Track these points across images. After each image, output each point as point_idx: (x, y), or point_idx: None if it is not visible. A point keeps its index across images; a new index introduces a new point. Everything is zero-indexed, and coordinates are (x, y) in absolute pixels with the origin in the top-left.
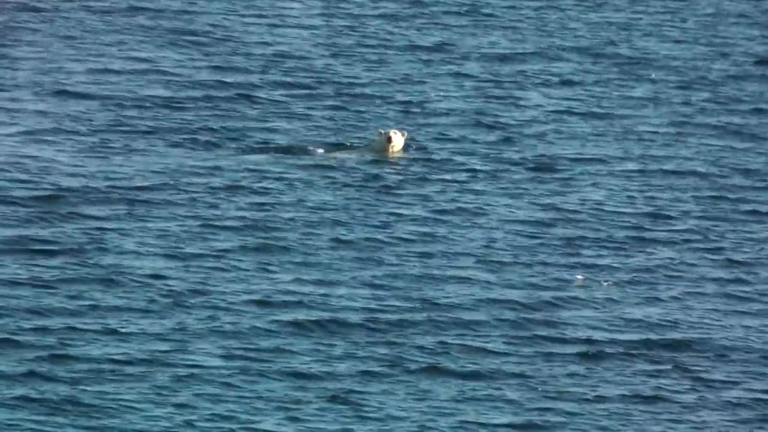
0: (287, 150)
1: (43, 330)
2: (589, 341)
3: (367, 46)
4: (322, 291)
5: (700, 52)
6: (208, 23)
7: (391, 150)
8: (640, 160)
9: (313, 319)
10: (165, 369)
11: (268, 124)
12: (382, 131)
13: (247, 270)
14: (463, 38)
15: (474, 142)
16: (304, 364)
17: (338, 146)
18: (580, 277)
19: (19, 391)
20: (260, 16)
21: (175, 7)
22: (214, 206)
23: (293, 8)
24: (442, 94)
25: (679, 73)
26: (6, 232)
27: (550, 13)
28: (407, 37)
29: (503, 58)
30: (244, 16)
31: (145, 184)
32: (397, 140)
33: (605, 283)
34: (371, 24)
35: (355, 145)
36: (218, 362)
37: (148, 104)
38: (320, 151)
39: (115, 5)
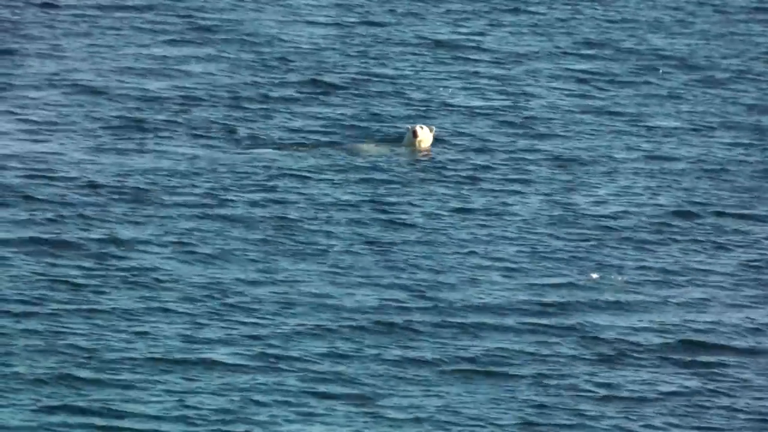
0: (308, 147)
1: (57, 331)
2: (605, 341)
3: (385, 42)
4: (339, 292)
5: (716, 48)
6: (220, 19)
7: (418, 145)
8: (657, 158)
9: (329, 320)
10: (179, 370)
11: (289, 122)
12: (409, 126)
13: (265, 270)
14: (476, 35)
15: (492, 139)
16: (319, 364)
17: (365, 141)
18: (594, 275)
19: (35, 392)
20: (274, 12)
21: (187, 4)
22: (232, 204)
23: (307, 4)
24: (453, 90)
25: (696, 70)
26: (20, 232)
27: (563, 9)
28: (420, 33)
29: (520, 55)
30: (256, 12)
31: (159, 181)
32: (424, 135)
33: (620, 278)
34: (386, 21)
35: (379, 140)
36: (234, 361)
37: (162, 101)
38: (353, 145)
39: (126, 1)
